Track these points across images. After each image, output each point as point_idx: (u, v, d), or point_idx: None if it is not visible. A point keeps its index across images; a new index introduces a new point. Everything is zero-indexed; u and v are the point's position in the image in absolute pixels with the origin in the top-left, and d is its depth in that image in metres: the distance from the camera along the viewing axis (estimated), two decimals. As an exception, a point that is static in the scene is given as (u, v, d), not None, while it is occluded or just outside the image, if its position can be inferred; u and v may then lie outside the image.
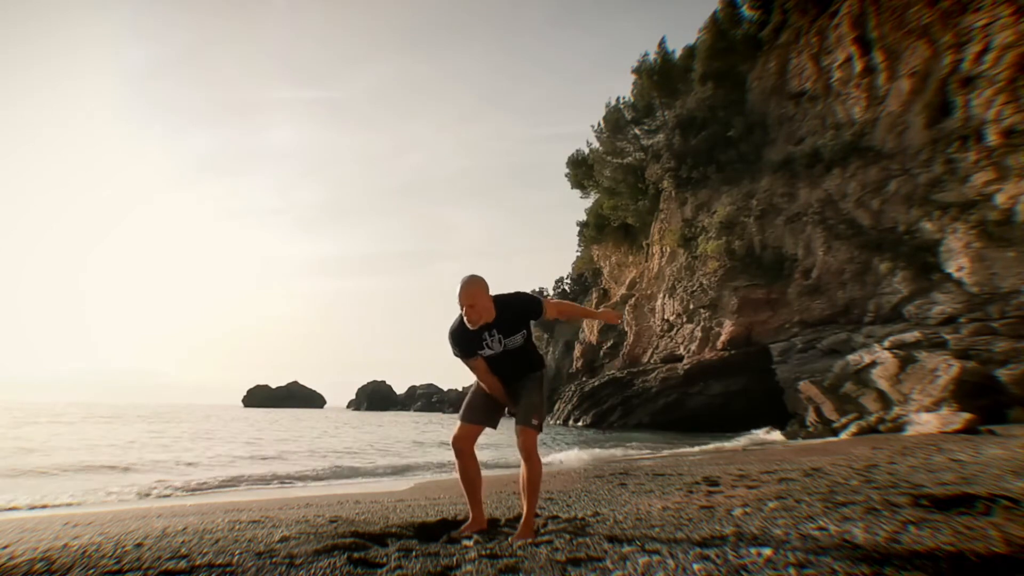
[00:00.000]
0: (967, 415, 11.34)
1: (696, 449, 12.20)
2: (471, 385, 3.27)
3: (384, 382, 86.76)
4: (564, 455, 10.76)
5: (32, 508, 5.95)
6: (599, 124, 33.80)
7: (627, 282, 33.64)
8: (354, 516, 3.75)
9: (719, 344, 22.79)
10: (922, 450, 7.39)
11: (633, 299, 30.88)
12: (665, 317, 26.88)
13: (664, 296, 27.12)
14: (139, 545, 2.75)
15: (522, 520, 2.94)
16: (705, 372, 22.28)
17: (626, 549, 2.44)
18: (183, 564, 2.34)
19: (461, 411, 3.13)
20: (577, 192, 37.38)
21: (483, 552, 2.49)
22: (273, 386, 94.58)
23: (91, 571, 2.28)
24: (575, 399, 26.51)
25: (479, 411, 3.10)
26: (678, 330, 25.89)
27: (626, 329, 30.74)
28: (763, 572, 2.04)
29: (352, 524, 3.31)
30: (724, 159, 25.34)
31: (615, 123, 33.18)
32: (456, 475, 3.13)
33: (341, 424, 30.63)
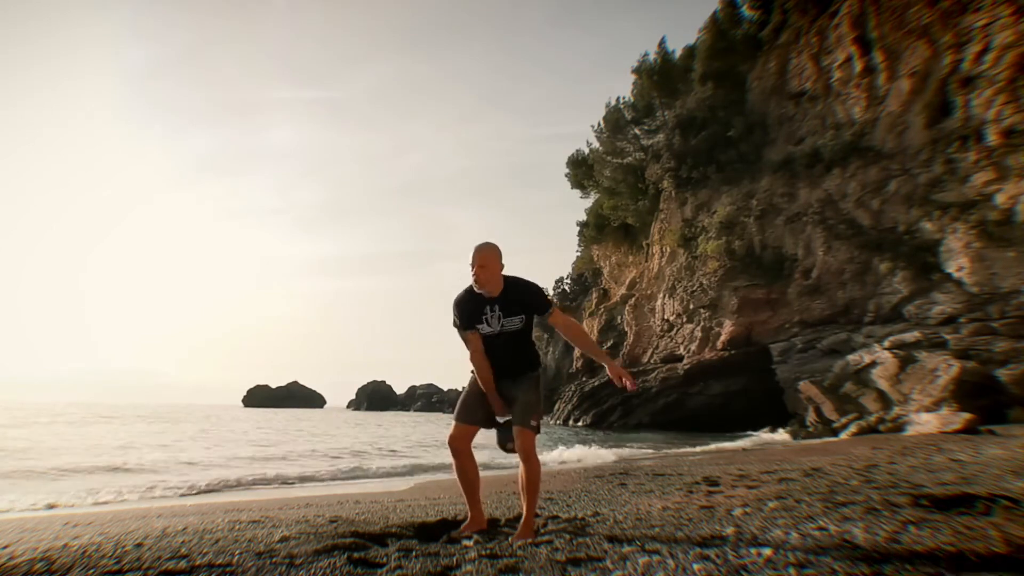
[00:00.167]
0: (967, 415, 11.35)
1: (698, 449, 12.21)
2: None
3: (384, 382, 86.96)
4: (584, 452, 11.08)
5: (35, 509, 5.95)
6: (599, 124, 33.82)
7: (627, 282, 33.64)
8: (354, 516, 3.75)
9: (719, 344, 22.79)
10: (922, 450, 7.39)
11: (633, 299, 30.89)
12: (665, 317, 26.88)
13: (664, 296, 27.12)
14: (139, 545, 2.75)
15: (522, 520, 2.94)
16: (705, 372, 22.29)
17: (626, 549, 2.44)
18: (183, 564, 2.34)
19: (456, 410, 3.13)
20: (577, 192, 37.43)
21: (483, 552, 2.49)
22: (273, 386, 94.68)
23: (91, 571, 2.28)
24: (575, 399, 26.51)
25: (473, 410, 3.08)
26: (678, 330, 25.89)
27: (626, 329, 30.75)
28: (763, 572, 2.04)
29: (352, 524, 3.31)
30: (724, 159, 25.34)
31: (615, 123, 33.18)
32: (454, 475, 3.13)
33: (341, 424, 30.64)
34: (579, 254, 42.19)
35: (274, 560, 2.38)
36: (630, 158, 32.87)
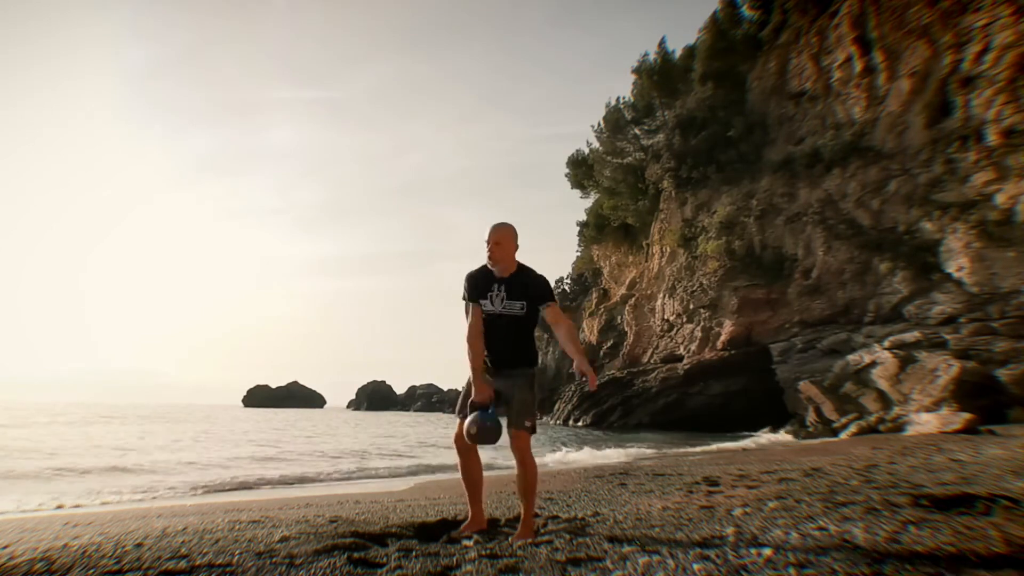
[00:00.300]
0: (967, 415, 11.35)
1: (698, 449, 12.21)
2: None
3: (384, 382, 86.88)
4: (630, 451, 11.23)
5: (41, 510, 5.95)
6: (599, 124, 33.82)
7: (627, 282, 33.64)
8: (354, 516, 3.75)
9: (719, 344, 22.79)
10: (922, 450, 7.40)
11: (633, 299, 30.89)
12: (665, 317, 26.88)
13: (664, 296, 27.12)
14: (139, 545, 2.75)
15: (521, 521, 2.94)
16: (705, 372, 22.28)
17: (626, 549, 2.44)
18: (183, 564, 2.34)
19: (457, 408, 3.13)
20: (577, 192, 37.42)
21: (483, 552, 2.49)
22: (273, 386, 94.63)
23: (91, 571, 2.28)
24: (575, 399, 26.52)
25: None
26: (678, 330, 25.89)
27: (626, 329, 30.75)
28: (763, 572, 2.04)
29: (352, 524, 3.31)
30: (724, 159, 25.33)
31: (615, 123, 33.18)
32: (459, 474, 3.13)
33: (341, 424, 30.64)
34: (579, 254, 42.20)
35: (274, 560, 2.38)
36: (630, 158, 32.87)
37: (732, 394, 21.27)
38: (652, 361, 27.15)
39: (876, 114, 20.20)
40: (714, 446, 12.84)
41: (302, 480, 8.49)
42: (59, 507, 6.03)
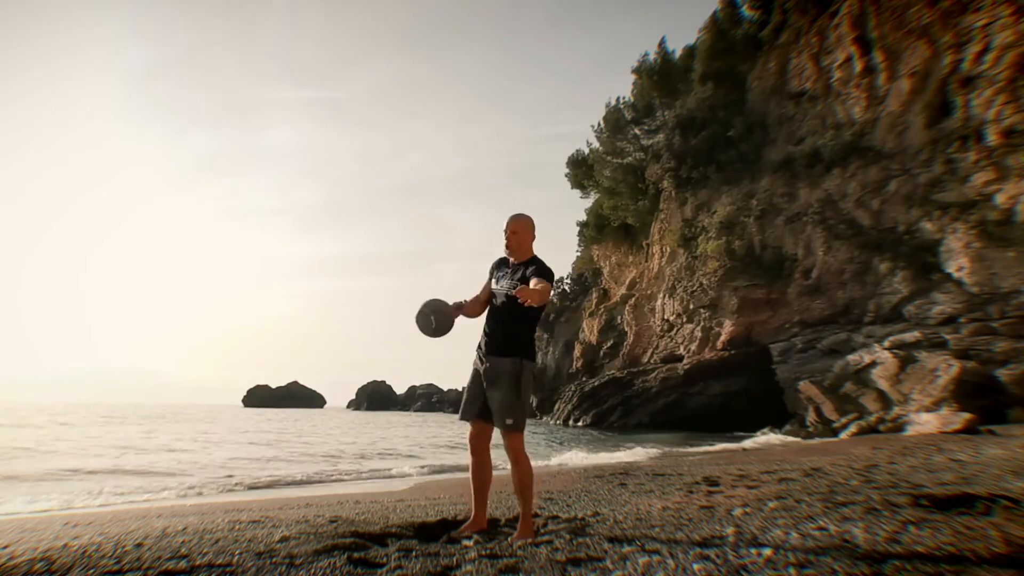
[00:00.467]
0: (967, 415, 11.35)
1: (698, 449, 12.20)
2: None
3: (384, 382, 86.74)
4: (630, 452, 11.37)
5: (45, 511, 5.94)
6: (599, 124, 33.80)
7: (627, 282, 33.62)
8: (354, 516, 3.75)
9: (719, 344, 22.79)
10: (922, 450, 7.40)
11: (633, 299, 30.88)
12: (665, 317, 26.88)
13: (664, 296, 27.12)
14: (139, 545, 2.75)
15: (520, 520, 2.94)
16: (705, 372, 22.28)
17: (626, 549, 2.44)
18: (183, 564, 2.34)
19: (461, 409, 3.14)
20: (577, 192, 37.40)
21: (483, 552, 2.49)
22: (273, 386, 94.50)
23: (91, 571, 2.28)
24: (575, 399, 26.51)
25: (474, 400, 3.09)
26: (678, 330, 25.89)
27: (626, 329, 30.74)
28: (763, 572, 2.04)
29: (352, 524, 3.31)
30: (724, 159, 25.33)
31: (615, 123, 33.17)
32: (465, 474, 3.15)
33: (341, 424, 30.63)
34: (579, 254, 42.19)
35: (274, 560, 2.38)
36: (630, 158, 32.86)
37: (732, 394, 21.26)
38: (652, 361, 27.14)
39: (876, 114, 20.20)
40: (714, 446, 12.84)
41: (302, 480, 8.49)
42: (59, 508, 6.03)
